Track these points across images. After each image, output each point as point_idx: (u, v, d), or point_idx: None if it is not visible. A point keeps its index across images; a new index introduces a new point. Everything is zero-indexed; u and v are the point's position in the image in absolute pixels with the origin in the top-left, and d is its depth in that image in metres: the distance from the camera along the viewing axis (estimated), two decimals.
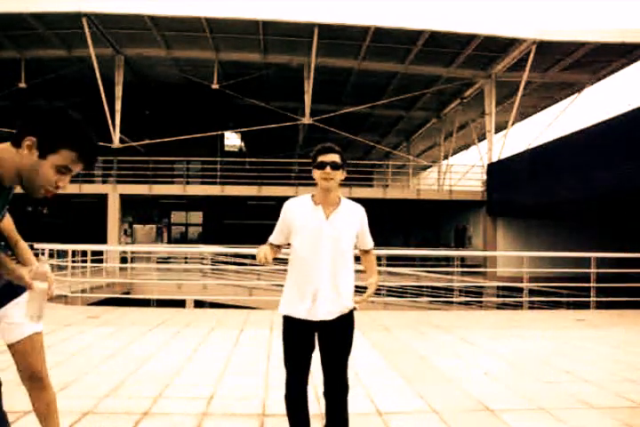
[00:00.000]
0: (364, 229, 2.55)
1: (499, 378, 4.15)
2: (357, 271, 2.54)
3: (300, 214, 2.46)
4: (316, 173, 2.45)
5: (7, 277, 1.77)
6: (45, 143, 1.48)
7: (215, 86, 17.74)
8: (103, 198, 18.21)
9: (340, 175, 2.44)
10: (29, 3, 14.38)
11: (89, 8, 14.54)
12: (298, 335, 2.48)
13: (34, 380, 2.22)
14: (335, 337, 2.50)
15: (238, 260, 15.16)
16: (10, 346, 2.19)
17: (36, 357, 2.20)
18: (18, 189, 1.70)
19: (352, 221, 2.48)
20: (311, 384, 3.81)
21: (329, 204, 2.46)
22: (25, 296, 1.89)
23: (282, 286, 2.58)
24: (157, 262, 15.89)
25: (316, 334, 2.51)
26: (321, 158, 2.44)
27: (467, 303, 12.19)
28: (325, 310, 2.42)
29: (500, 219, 16.93)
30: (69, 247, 10.34)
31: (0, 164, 1.48)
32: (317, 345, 2.53)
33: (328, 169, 2.41)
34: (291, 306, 2.47)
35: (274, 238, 2.61)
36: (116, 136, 17.37)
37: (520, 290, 10.69)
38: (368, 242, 2.58)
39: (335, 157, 2.43)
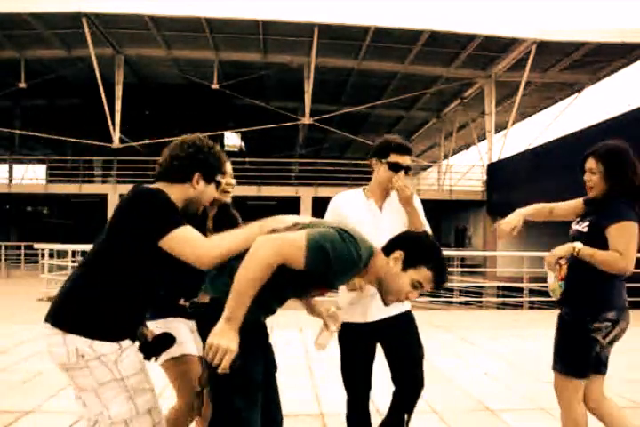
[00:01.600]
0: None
1: (499, 378, 4.15)
2: None
3: (354, 209, 2.33)
4: (384, 172, 2.29)
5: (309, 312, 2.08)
6: (411, 259, 1.73)
7: (215, 86, 17.73)
8: (103, 198, 18.21)
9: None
10: (29, 3, 14.36)
11: (89, 8, 14.52)
12: (356, 343, 2.32)
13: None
14: (400, 337, 2.32)
15: None
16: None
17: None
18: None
19: (401, 208, 2.34)
20: (313, 385, 3.81)
21: (382, 197, 2.37)
22: None
23: None
24: None
25: (379, 344, 2.36)
26: (396, 159, 2.28)
27: (467, 303, 12.19)
28: (384, 308, 2.21)
29: (500, 219, 16.87)
30: (69, 247, 10.32)
31: (372, 272, 1.76)
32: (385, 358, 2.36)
33: (402, 174, 2.27)
34: (347, 311, 2.28)
35: None
36: (116, 136, 17.37)
37: (520, 290, 10.69)
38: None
39: (409, 160, 2.30)
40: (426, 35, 15.14)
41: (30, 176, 25.81)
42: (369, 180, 2.44)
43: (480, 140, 21.28)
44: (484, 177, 18.13)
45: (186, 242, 1.61)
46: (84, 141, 18.54)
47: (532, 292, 11.18)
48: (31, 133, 19.80)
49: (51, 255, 10.11)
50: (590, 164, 2.28)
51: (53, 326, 1.61)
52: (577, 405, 2.20)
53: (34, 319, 6.68)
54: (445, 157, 24.32)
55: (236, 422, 1.65)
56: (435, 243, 1.81)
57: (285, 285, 1.67)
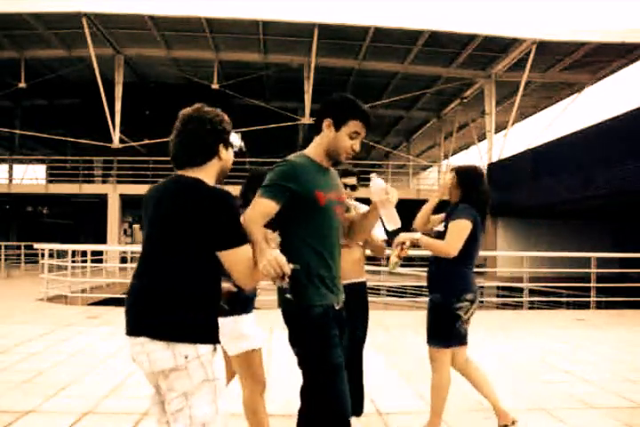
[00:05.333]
0: None
1: (499, 378, 4.14)
2: None
3: None
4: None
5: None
6: (338, 119, 1.97)
7: (215, 86, 17.73)
8: (103, 198, 18.21)
9: None
10: (29, 3, 14.35)
11: (89, 8, 14.51)
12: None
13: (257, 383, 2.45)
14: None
15: None
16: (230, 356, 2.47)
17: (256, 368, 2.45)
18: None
19: None
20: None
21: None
22: None
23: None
24: None
25: None
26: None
27: None
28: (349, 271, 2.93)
29: (500, 219, 16.91)
30: (69, 247, 10.32)
31: (315, 151, 2.04)
32: None
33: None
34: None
35: None
36: (116, 136, 17.37)
37: (520, 290, 10.69)
38: None
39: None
40: (426, 35, 15.13)
41: (30, 176, 25.83)
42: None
43: (480, 140, 21.27)
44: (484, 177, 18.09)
45: (242, 263, 1.64)
46: (84, 141, 18.53)
47: (532, 292, 11.18)
48: (31, 133, 19.80)
49: (50, 255, 10.10)
50: (449, 176, 2.90)
51: (153, 339, 1.59)
52: (446, 370, 2.84)
53: (34, 319, 6.69)
54: (445, 156, 24.29)
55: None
56: (348, 97, 1.99)
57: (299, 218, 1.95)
